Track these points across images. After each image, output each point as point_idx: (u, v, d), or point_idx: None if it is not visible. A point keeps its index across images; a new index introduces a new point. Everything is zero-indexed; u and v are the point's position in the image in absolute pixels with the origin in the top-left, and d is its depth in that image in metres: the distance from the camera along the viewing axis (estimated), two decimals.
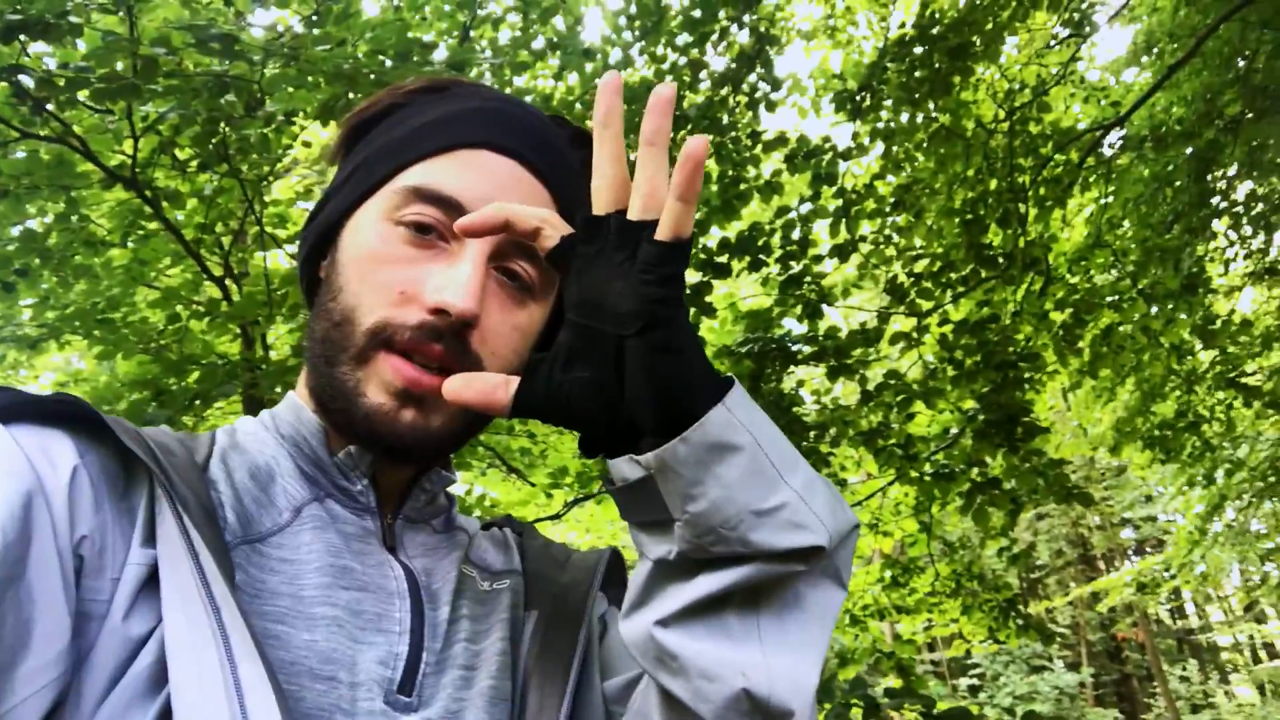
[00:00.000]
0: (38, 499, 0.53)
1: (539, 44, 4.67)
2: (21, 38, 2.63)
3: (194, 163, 3.62)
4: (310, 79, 3.08)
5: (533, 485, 5.74)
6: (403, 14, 4.06)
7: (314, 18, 3.49)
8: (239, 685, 0.51)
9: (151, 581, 0.56)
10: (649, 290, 0.56)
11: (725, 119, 4.85)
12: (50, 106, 2.96)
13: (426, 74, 3.33)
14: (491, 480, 6.30)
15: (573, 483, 5.70)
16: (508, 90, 3.79)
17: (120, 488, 0.60)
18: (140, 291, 4.15)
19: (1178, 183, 6.32)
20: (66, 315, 3.67)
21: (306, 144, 4.29)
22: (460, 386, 0.63)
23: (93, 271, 3.83)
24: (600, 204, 0.60)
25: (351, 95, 3.02)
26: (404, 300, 0.67)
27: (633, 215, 0.58)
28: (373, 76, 3.02)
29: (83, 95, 2.88)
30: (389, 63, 3.32)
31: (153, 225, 3.93)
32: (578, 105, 4.57)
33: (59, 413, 0.60)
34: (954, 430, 5.53)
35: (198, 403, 3.20)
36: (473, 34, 4.46)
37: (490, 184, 0.71)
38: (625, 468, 0.59)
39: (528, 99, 4.18)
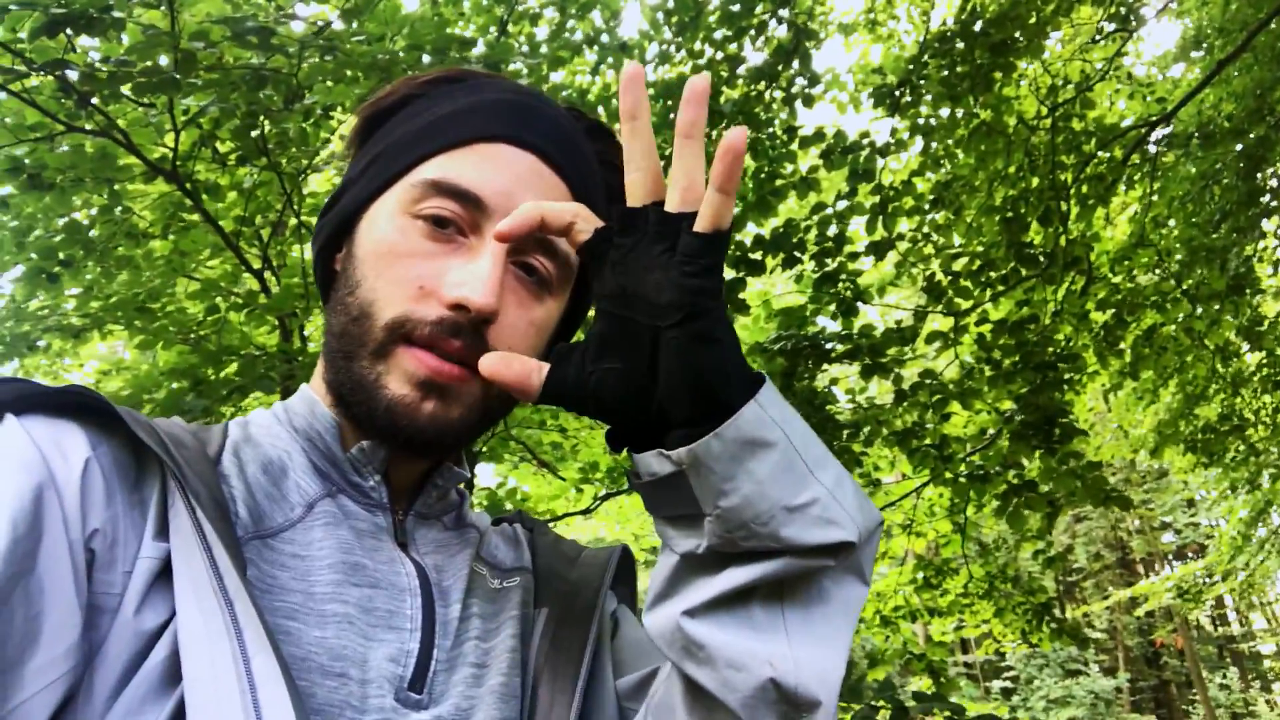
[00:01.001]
0: (49, 492, 0.53)
1: (576, 39, 4.66)
2: (67, 32, 2.67)
3: (234, 156, 3.67)
4: (348, 73, 3.10)
5: (563, 480, 5.76)
6: (441, 9, 4.08)
7: (349, 7, 3.50)
8: (252, 679, 0.50)
9: (164, 575, 0.56)
10: (690, 281, 0.56)
11: (762, 115, 4.82)
12: (95, 100, 3.00)
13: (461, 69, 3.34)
14: (522, 474, 6.33)
15: (603, 478, 5.71)
16: (544, 86, 3.78)
17: (132, 480, 0.59)
18: (180, 283, 4.21)
19: (1226, 180, 6.18)
20: (109, 305, 3.73)
21: (344, 137, 4.32)
22: (498, 363, 0.63)
23: (134, 263, 3.89)
24: (636, 196, 0.61)
25: None
26: (423, 295, 0.67)
27: (670, 207, 0.59)
28: (410, 71, 3.04)
29: (125, 89, 2.92)
30: (426, 58, 3.34)
31: (193, 217, 3.98)
32: (614, 101, 4.55)
33: (71, 404, 0.59)
34: (990, 431, 5.46)
35: (235, 394, 3.24)
36: (510, 29, 4.47)
37: (509, 178, 0.71)
38: (654, 462, 0.59)
39: (564, 95, 4.19)
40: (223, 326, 4.01)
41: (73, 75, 2.79)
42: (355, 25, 3.34)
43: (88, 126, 3.18)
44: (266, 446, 0.70)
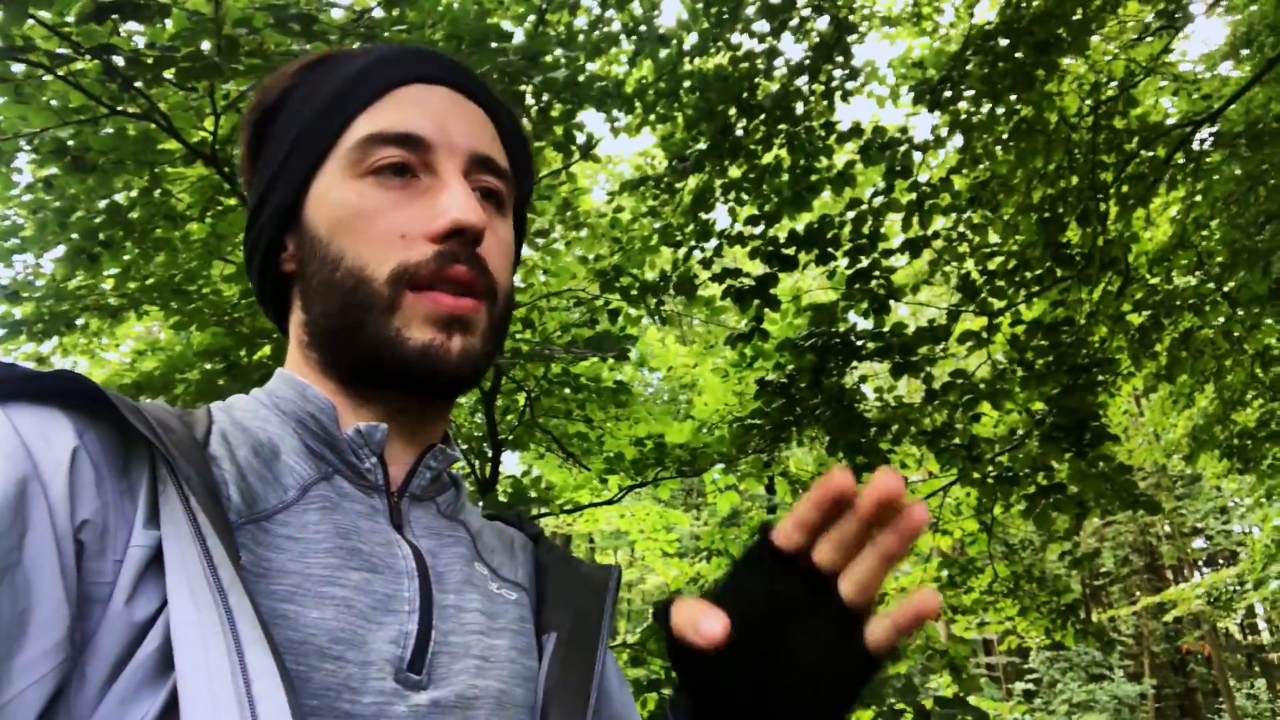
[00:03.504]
0: (33, 485, 0.52)
1: (614, 29, 4.64)
2: (113, 17, 2.70)
3: None
4: None
5: (588, 470, 5.77)
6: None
7: None
8: (246, 672, 0.50)
9: (155, 563, 0.55)
10: (854, 689, 0.60)
11: (799, 109, 4.78)
12: (138, 84, 3.03)
13: (500, 63, 3.32)
14: (548, 464, 6.35)
15: (628, 469, 5.72)
16: (581, 77, 3.77)
17: (120, 466, 0.58)
18: (216, 265, 4.25)
19: (1272, 182, 6.04)
20: (146, 286, 3.78)
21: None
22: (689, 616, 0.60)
23: (172, 245, 3.93)
24: (789, 537, 0.60)
25: None
26: (407, 242, 0.68)
27: (845, 594, 0.58)
28: None
29: (168, 74, 2.95)
30: (464, 47, 3.34)
31: (230, 201, 4.02)
32: (650, 92, 4.54)
33: (57, 389, 0.58)
34: (1020, 432, 5.41)
35: (268, 378, 3.28)
36: (549, 18, 4.46)
37: (436, 112, 0.72)
38: None
39: (599, 85, 4.18)
40: (256, 310, 4.05)
41: (118, 60, 2.82)
42: (395, 14, 3.34)
43: (130, 110, 3.22)
44: (255, 429, 0.69)
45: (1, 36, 2.67)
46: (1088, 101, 5.46)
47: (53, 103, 3.21)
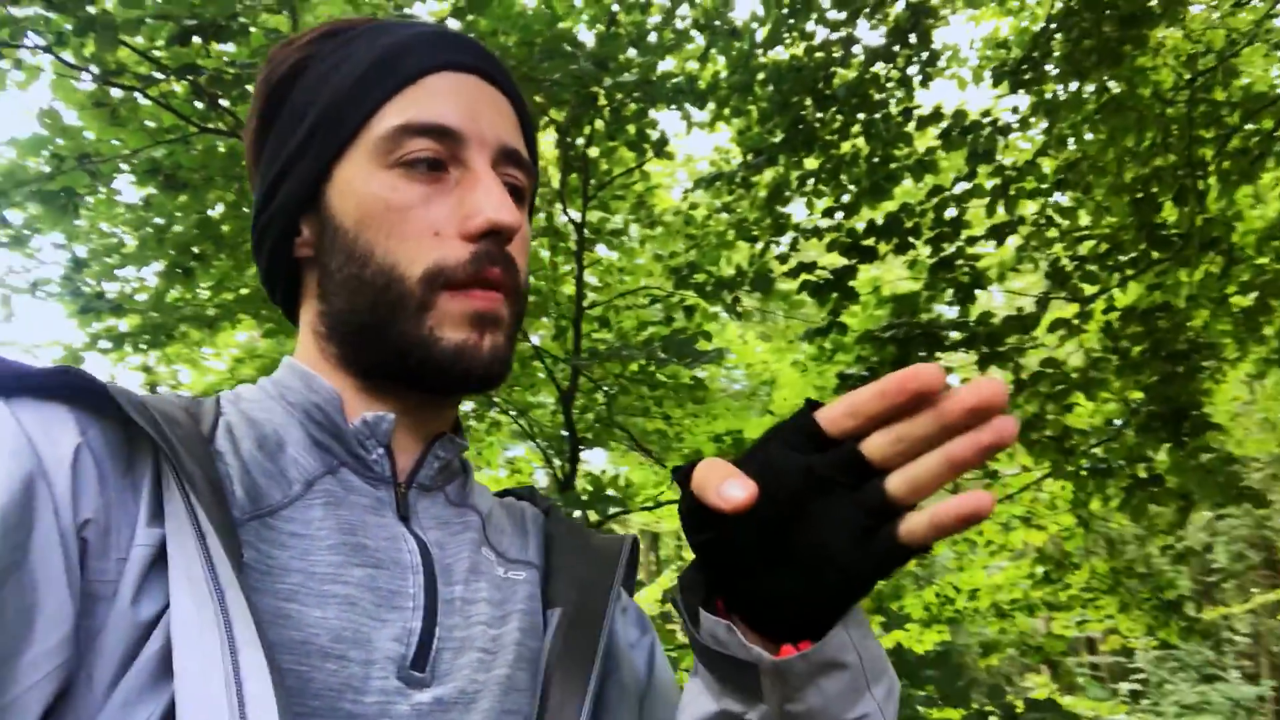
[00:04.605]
0: (39, 482, 0.53)
1: (685, 24, 4.62)
2: (196, 40, 2.81)
3: None
4: None
5: (665, 468, 5.77)
6: (552, 2, 4.09)
7: (462, 4, 3.57)
8: (239, 673, 0.50)
9: (159, 562, 0.55)
10: (879, 573, 0.54)
11: (876, 96, 4.67)
12: (224, 102, 3.16)
13: (570, 69, 3.33)
14: (629, 461, 6.37)
15: None
16: (652, 76, 3.77)
17: (124, 463, 0.58)
18: None
19: None
20: (241, 297, 3.92)
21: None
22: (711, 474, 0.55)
23: None
24: (835, 423, 0.53)
25: None
26: (441, 240, 0.67)
27: (892, 489, 0.51)
28: (523, 69, 3.08)
29: (251, 89, 3.06)
30: (537, 52, 3.38)
31: None
32: (724, 87, 4.51)
33: (61, 386, 0.58)
34: (1117, 423, 5.21)
35: None
36: (620, 18, 4.46)
37: (468, 101, 0.70)
38: (726, 638, 0.57)
39: (673, 81, 4.17)
40: None
41: (201, 78, 2.94)
42: (469, 20, 3.40)
43: (218, 127, 3.35)
44: (261, 421, 0.68)
45: (97, 62, 2.81)
46: (1183, 74, 5.21)
47: (147, 124, 3.36)
